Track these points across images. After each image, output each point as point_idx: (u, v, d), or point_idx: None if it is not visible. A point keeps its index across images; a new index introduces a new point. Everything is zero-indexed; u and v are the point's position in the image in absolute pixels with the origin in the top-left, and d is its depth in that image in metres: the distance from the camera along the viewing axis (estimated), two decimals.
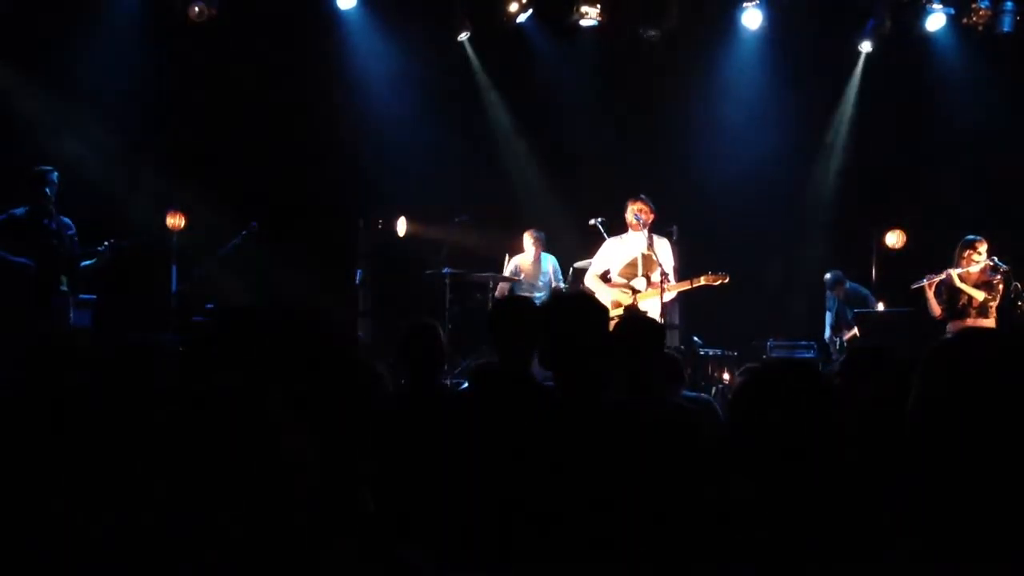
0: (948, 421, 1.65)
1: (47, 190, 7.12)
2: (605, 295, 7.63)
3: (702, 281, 7.68)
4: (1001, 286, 7.92)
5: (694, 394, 4.54)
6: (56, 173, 7.21)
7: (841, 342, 9.53)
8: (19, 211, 7.14)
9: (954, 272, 7.95)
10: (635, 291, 7.64)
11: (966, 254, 7.98)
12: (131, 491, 1.79)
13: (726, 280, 7.67)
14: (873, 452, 2.34)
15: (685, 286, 7.78)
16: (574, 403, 2.62)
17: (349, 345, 1.69)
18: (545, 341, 2.69)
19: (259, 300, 7.99)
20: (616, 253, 7.83)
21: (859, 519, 1.98)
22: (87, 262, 7.31)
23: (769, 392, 2.07)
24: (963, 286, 7.93)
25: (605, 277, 7.88)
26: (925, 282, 8.07)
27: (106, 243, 7.28)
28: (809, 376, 2.10)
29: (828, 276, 9.83)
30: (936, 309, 8.06)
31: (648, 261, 7.68)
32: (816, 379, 2.10)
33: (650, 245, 7.67)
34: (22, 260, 7.00)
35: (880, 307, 9.46)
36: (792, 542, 1.96)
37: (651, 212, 7.70)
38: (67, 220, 7.31)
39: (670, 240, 8.23)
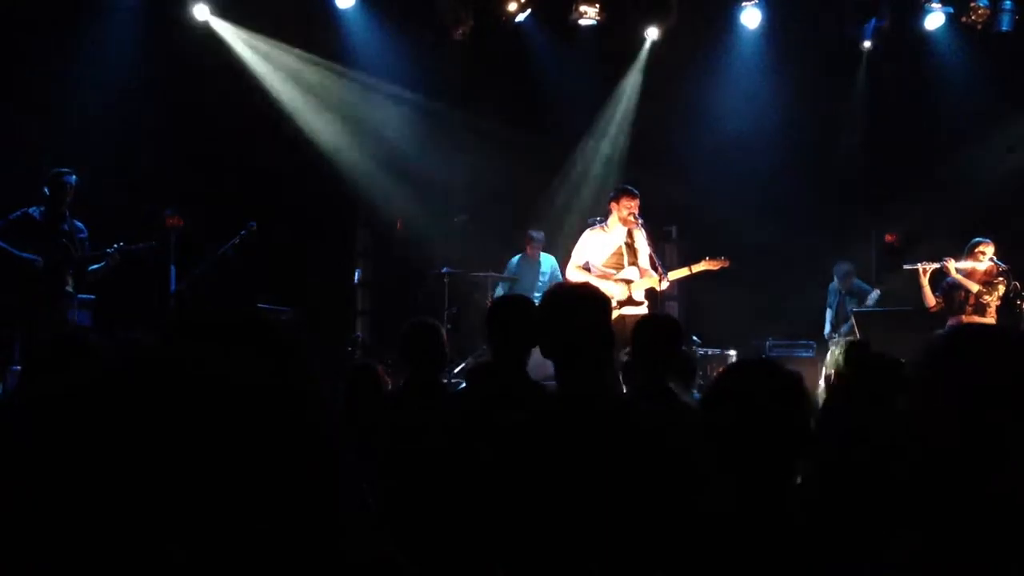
0: (944, 423, 1.63)
1: (59, 192, 7.20)
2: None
3: (702, 266, 7.62)
4: (1002, 287, 7.95)
5: (696, 396, 4.51)
6: (74, 176, 7.28)
7: (839, 336, 9.55)
8: (34, 211, 7.24)
9: (952, 264, 7.98)
10: (627, 281, 7.56)
11: (971, 255, 8.05)
12: (132, 490, 1.78)
13: (726, 264, 7.62)
14: (866, 450, 2.33)
15: (685, 272, 7.71)
16: (575, 395, 2.61)
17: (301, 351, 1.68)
18: (547, 330, 2.69)
19: (255, 302, 7.97)
20: (599, 245, 7.68)
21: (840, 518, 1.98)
22: (95, 265, 7.36)
23: (736, 390, 2.07)
24: (959, 277, 7.97)
25: (587, 269, 7.76)
26: (919, 266, 8.08)
27: (115, 246, 7.31)
28: (778, 376, 2.09)
29: (838, 267, 9.86)
30: (930, 299, 8.09)
31: (631, 250, 7.61)
32: (784, 380, 2.09)
33: (630, 233, 7.61)
34: (29, 256, 7.05)
35: (876, 293, 9.46)
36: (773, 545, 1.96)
37: (639, 206, 7.61)
38: (80, 224, 7.39)
39: (667, 239, 8.19)
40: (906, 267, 8.20)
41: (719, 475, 2.04)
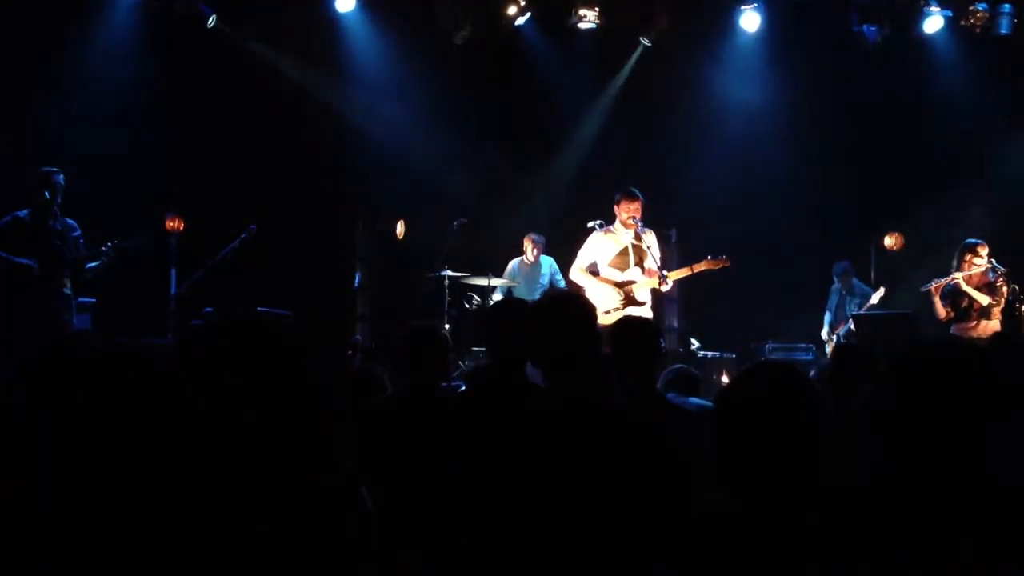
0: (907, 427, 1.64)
1: (51, 192, 7.10)
2: (596, 288, 7.59)
3: (703, 266, 7.65)
4: (1004, 288, 7.96)
5: (701, 401, 4.46)
6: (62, 175, 7.19)
7: (838, 338, 9.57)
8: (23, 213, 7.13)
9: (960, 276, 8.01)
10: (631, 282, 7.58)
11: (967, 258, 8.05)
12: (132, 494, 1.80)
13: (727, 264, 7.65)
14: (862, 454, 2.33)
15: (685, 272, 7.74)
16: (562, 401, 2.62)
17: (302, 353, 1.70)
18: (533, 339, 2.70)
19: (255, 305, 7.96)
20: (604, 247, 7.73)
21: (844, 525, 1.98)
22: (92, 264, 7.30)
23: (756, 394, 2.06)
24: (969, 289, 7.99)
25: (593, 271, 7.79)
26: (933, 285, 8.11)
27: (109, 243, 7.26)
28: (797, 381, 2.09)
29: (837, 265, 9.94)
30: (941, 312, 8.12)
31: (639, 250, 7.63)
32: (804, 385, 2.09)
33: (638, 235, 7.62)
34: (25, 261, 6.99)
35: (880, 292, 9.47)
36: (777, 550, 1.96)
37: (642, 208, 7.65)
38: (72, 222, 7.29)
39: (668, 242, 8.20)
40: (923, 289, 8.22)
41: (729, 477, 2.05)
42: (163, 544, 1.72)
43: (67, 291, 7.24)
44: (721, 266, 7.65)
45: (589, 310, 2.81)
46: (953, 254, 8.22)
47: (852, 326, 9.28)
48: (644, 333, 3.77)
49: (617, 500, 2.45)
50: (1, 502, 1.95)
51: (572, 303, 2.82)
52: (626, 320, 3.90)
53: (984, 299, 7.96)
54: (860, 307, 9.56)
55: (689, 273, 7.73)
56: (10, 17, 8.50)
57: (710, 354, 9.45)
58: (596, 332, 2.82)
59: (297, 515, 1.79)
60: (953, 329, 8.08)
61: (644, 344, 3.70)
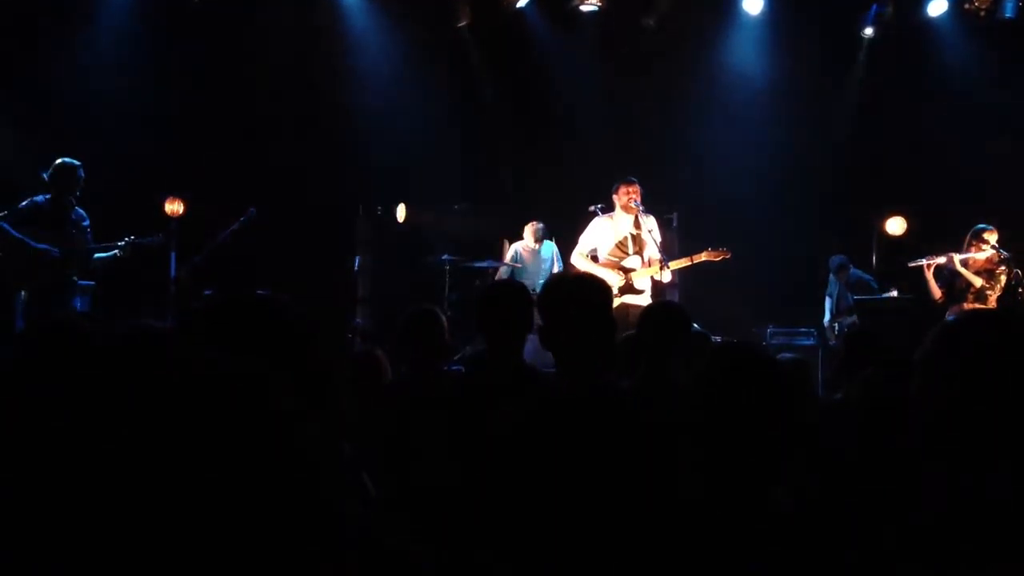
0: (957, 409, 1.61)
1: (73, 183, 7.06)
2: (595, 273, 7.53)
3: (703, 257, 7.59)
4: (1003, 276, 7.93)
5: None
6: (82, 170, 7.13)
7: (841, 327, 9.54)
8: (41, 199, 7.07)
9: (957, 256, 7.97)
10: (629, 270, 7.55)
11: (975, 243, 8.01)
12: (133, 480, 1.77)
13: (728, 256, 7.59)
14: (870, 440, 2.31)
15: (686, 263, 7.69)
16: (575, 386, 2.59)
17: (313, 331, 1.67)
18: (546, 322, 2.65)
19: (256, 287, 7.94)
20: (605, 233, 7.69)
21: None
22: (102, 255, 7.25)
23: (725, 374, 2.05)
24: (963, 271, 7.96)
25: (593, 257, 7.77)
26: (924, 262, 8.08)
27: (126, 239, 7.22)
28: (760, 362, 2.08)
29: (833, 260, 9.89)
30: (936, 292, 8.08)
31: (638, 239, 7.60)
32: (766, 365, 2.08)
33: (638, 223, 7.60)
34: (44, 247, 6.95)
35: (892, 294, 9.45)
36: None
37: (640, 191, 7.61)
38: (82, 211, 7.25)
39: (669, 226, 8.15)
40: (910, 265, 8.18)
41: (698, 464, 2.04)
42: (161, 530, 1.69)
43: (75, 278, 7.22)
44: (722, 257, 7.58)
45: (605, 292, 2.74)
46: (952, 238, 8.20)
47: (856, 318, 9.24)
48: (676, 320, 3.73)
49: (617, 488, 2.44)
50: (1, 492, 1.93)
51: (588, 284, 2.75)
52: (660, 305, 3.87)
53: (977, 280, 7.93)
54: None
55: (689, 264, 7.68)
56: (8, 6, 8.48)
57: (712, 338, 9.41)
58: (611, 315, 2.76)
59: (298, 500, 1.76)
60: (949, 311, 8.06)
61: (673, 331, 3.66)
